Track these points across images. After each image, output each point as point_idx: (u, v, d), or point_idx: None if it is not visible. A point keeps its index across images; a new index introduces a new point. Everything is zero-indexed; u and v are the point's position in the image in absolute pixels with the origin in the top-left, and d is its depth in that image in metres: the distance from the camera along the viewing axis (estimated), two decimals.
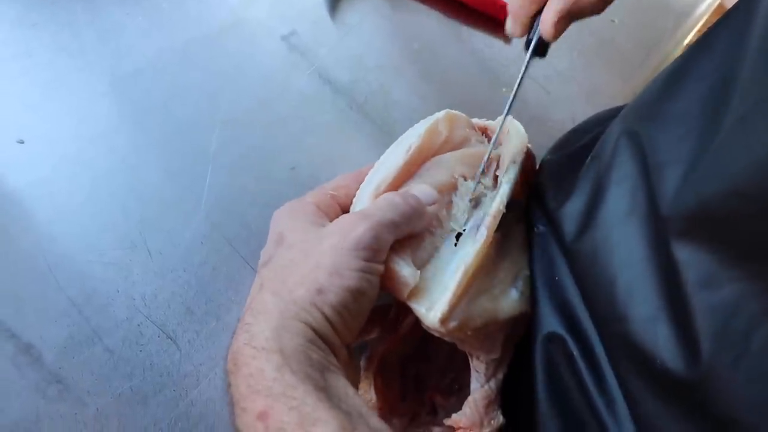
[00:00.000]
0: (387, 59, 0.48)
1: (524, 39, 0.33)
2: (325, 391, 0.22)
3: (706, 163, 0.21)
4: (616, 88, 0.54)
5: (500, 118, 0.34)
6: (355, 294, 0.25)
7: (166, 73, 0.43)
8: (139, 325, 0.35)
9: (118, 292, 0.35)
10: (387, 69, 0.47)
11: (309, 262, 0.25)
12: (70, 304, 0.34)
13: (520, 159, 0.32)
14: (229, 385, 0.24)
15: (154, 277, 0.36)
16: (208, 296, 0.36)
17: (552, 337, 0.28)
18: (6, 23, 0.42)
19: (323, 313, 0.24)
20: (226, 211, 0.38)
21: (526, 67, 0.31)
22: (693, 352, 0.21)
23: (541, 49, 0.31)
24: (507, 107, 0.32)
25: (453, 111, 0.33)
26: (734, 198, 0.20)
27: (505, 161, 0.32)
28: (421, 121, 0.33)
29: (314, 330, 0.24)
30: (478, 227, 0.29)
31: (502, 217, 0.29)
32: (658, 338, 0.23)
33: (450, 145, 0.32)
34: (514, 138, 0.33)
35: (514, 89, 0.31)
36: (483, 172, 0.32)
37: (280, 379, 0.22)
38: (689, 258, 0.22)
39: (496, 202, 0.29)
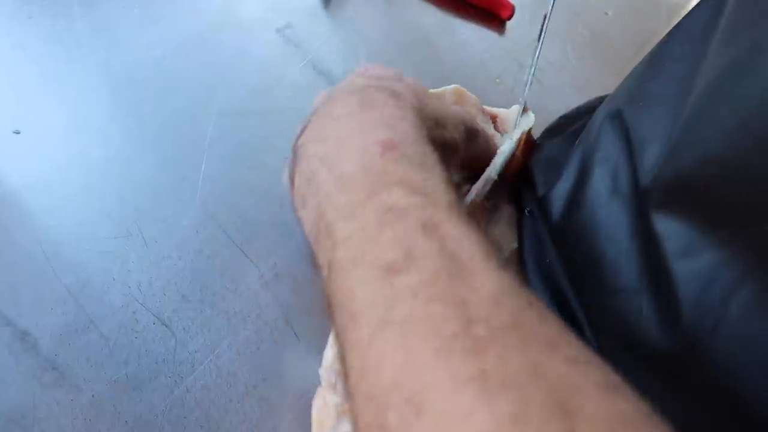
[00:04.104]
0: (381, 51, 0.48)
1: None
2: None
3: (679, 133, 0.22)
4: (608, 79, 0.54)
5: (515, 108, 0.37)
6: (451, 150, 0.27)
7: (161, 64, 0.43)
8: (134, 312, 0.35)
9: (114, 280, 0.35)
10: (381, 61, 0.48)
11: (439, 102, 0.27)
12: (66, 292, 0.35)
13: (515, 137, 0.33)
14: (332, 117, 0.23)
15: (149, 266, 0.36)
16: (204, 284, 0.36)
17: None
18: (1, 15, 0.42)
19: (437, 139, 0.25)
20: (221, 200, 0.39)
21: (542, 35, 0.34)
22: (674, 322, 0.21)
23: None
24: (529, 78, 0.36)
25: (462, 87, 0.35)
26: (706, 165, 0.20)
27: (504, 137, 0.34)
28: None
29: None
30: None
31: (494, 189, 0.30)
32: (642, 311, 0.23)
33: None
34: (521, 119, 0.35)
35: (536, 54, 0.35)
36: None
37: (420, 129, 0.22)
38: (668, 229, 0.22)
39: (488, 169, 0.30)
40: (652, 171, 0.23)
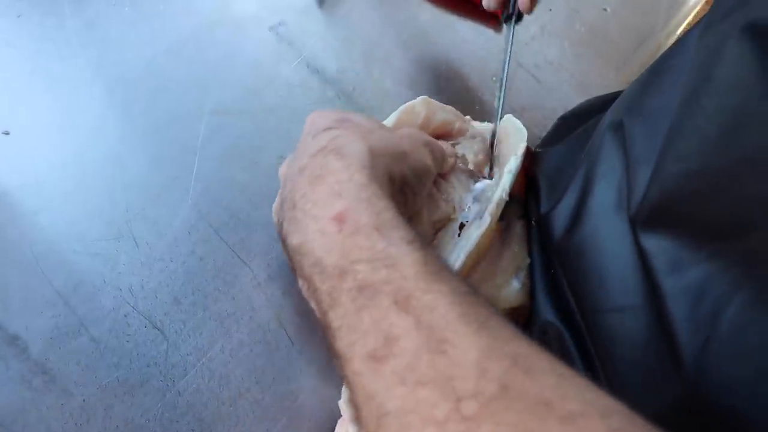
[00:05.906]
0: (376, 48, 0.48)
1: (518, 31, 0.39)
2: (402, 214, 0.22)
3: (663, 149, 0.21)
4: (607, 77, 0.53)
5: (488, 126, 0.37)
6: (423, 173, 0.27)
7: (153, 63, 0.43)
8: (125, 315, 0.34)
9: (105, 282, 0.35)
10: (376, 58, 0.47)
11: (390, 135, 0.26)
12: (57, 295, 0.34)
13: (520, 152, 0.32)
14: (293, 204, 0.23)
15: (140, 268, 0.36)
16: (195, 286, 0.36)
17: (548, 327, 0.28)
18: None
19: (402, 172, 0.25)
20: (213, 200, 0.38)
21: (512, 37, 0.37)
22: (670, 339, 0.21)
23: (518, 19, 0.38)
24: (503, 77, 0.37)
25: (430, 99, 0.34)
26: (690, 179, 0.20)
27: (507, 154, 0.33)
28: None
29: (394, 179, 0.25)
30: (481, 216, 0.29)
31: (504, 208, 0.30)
32: (640, 328, 0.23)
33: (431, 127, 0.33)
34: (512, 132, 0.35)
35: (507, 59, 0.37)
36: (491, 169, 0.33)
37: (368, 187, 0.21)
38: (655, 246, 0.22)
39: (499, 190, 0.30)
40: (641, 190, 0.23)
